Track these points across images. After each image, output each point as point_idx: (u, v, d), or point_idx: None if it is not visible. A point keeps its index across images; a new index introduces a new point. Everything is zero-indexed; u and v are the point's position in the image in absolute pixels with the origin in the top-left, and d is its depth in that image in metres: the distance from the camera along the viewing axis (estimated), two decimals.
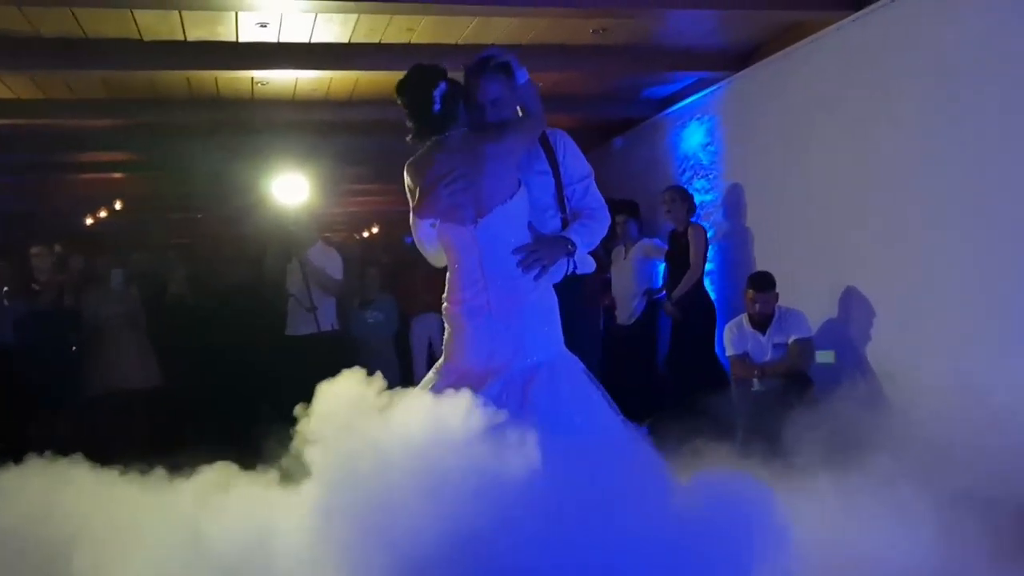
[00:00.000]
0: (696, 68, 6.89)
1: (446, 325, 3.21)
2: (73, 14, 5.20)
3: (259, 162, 7.56)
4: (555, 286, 3.21)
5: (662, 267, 7.06)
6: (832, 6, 5.47)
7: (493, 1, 5.18)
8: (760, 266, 6.25)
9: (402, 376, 6.96)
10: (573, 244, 3.22)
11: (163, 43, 5.82)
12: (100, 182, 10.44)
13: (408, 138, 3.21)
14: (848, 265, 5.62)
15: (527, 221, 3.17)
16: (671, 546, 2.50)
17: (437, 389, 2.91)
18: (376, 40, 5.96)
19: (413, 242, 3.37)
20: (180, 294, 7.61)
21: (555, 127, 3.45)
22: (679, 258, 6.66)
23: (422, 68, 3.16)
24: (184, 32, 5.66)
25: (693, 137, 7.55)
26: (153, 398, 6.91)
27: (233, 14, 5.34)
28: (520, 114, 3.30)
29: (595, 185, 3.41)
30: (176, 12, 5.26)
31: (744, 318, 5.79)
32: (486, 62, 3.22)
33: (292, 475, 2.86)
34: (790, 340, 5.59)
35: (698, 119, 7.49)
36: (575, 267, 3.29)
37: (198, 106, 7.47)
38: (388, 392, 2.83)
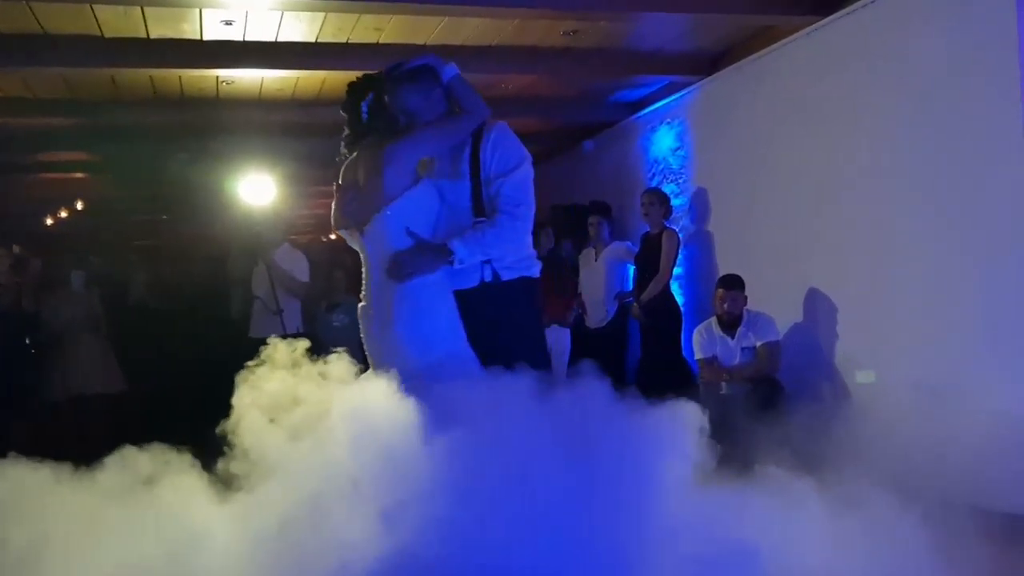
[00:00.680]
0: (666, 72, 6.88)
1: None
2: (30, 9, 5.07)
3: (224, 163, 7.46)
4: (481, 292, 3.13)
5: (632, 270, 7.05)
6: (801, 11, 5.48)
7: (462, 1, 5.13)
8: (727, 270, 6.25)
9: None
10: (452, 255, 3.03)
11: (125, 40, 5.69)
12: (60, 182, 10.24)
13: (341, 143, 3.32)
14: (816, 269, 5.64)
15: (420, 226, 3.09)
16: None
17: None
18: (343, 40, 5.89)
19: None
20: (142, 297, 7.48)
21: (503, 123, 3.25)
22: (649, 261, 6.64)
23: (359, 79, 3.28)
24: (147, 29, 5.55)
25: (663, 141, 7.56)
26: (115, 402, 6.79)
27: (197, 11, 5.25)
28: (451, 112, 3.25)
29: (520, 179, 3.15)
30: (138, 8, 5.14)
31: (713, 321, 5.79)
32: (389, 73, 3.23)
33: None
34: (758, 344, 5.60)
35: (668, 123, 7.50)
36: (494, 274, 3.14)
37: (162, 106, 7.34)
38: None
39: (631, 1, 5.35)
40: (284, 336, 6.31)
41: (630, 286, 7.05)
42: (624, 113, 8.15)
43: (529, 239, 3.28)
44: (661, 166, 7.59)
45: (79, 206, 11.29)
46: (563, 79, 7.20)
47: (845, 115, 5.35)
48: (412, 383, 2.79)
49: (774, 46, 5.95)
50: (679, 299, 6.90)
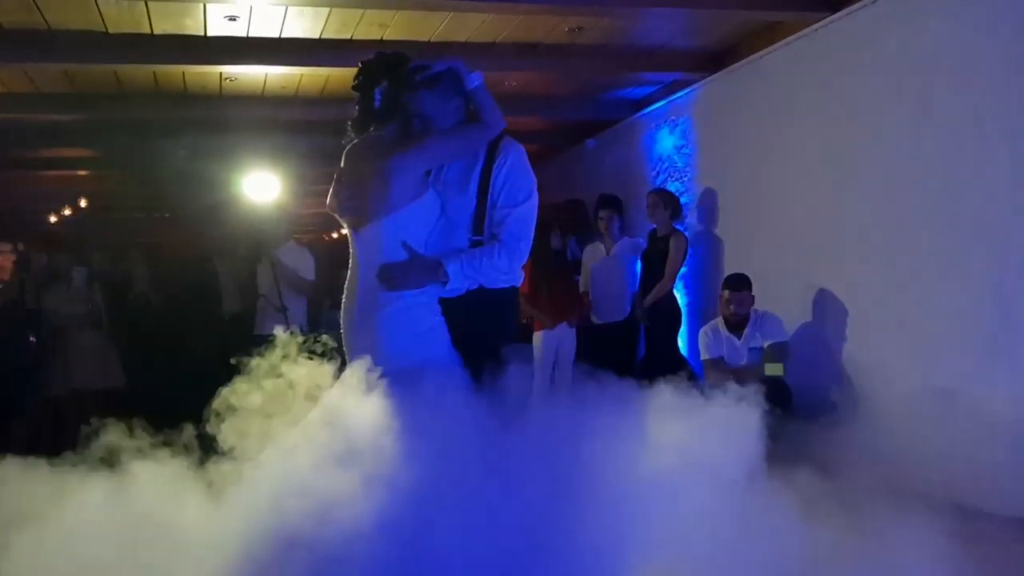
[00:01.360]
0: (671, 69, 6.85)
1: None
2: (35, 3, 5.05)
3: (228, 160, 7.44)
4: (465, 300, 3.08)
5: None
6: (808, 7, 5.44)
7: None
8: (734, 269, 6.21)
9: None
10: (446, 275, 3.01)
11: (128, 36, 5.68)
12: (64, 179, 10.24)
13: (348, 125, 3.18)
14: (823, 268, 5.60)
15: (417, 237, 3.04)
16: None
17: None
18: (347, 36, 5.87)
19: None
20: (143, 292, 7.47)
21: (517, 135, 3.22)
22: (655, 261, 6.59)
23: (376, 59, 3.13)
24: (151, 25, 5.53)
25: (667, 139, 7.52)
26: (115, 398, 6.77)
27: (201, 6, 5.23)
28: (469, 119, 3.16)
29: (524, 213, 3.11)
30: (142, 3, 5.12)
31: (719, 322, 5.75)
32: (412, 75, 3.10)
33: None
34: (765, 344, 5.55)
35: (672, 121, 7.46)
36: (474, 284, 3.09)
37: (165, 102, 7.33)
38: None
39: None
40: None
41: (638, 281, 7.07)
42: (628, 111, 8.12)
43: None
44: (665, 164, 7.55)
45: (82, 203, 11.29)
46: (567, 76, 7.17)
47: (852, 112, 5.31)
48: (391, 384, 2.79)
49: (780, 43, 5.91)
50: (683, 299, 6.87)
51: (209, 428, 2.94)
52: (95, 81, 6.82)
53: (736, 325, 5.63)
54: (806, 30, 5.63)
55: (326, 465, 2.59)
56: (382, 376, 2.84)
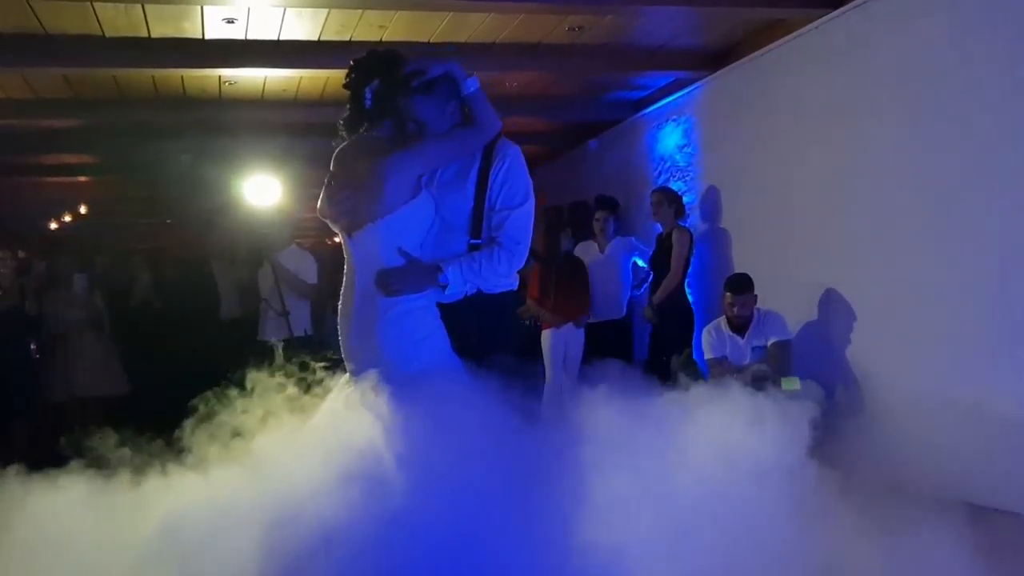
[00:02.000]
0: (673, 68, 6.83)
1: None
2: (31, 7, 5.03)
3: (228, 164, 7.41)
4: (463, 304, 3.03)
5: (638, 263, 7.11)
6: (810, 4, 5.41)
7: None
8: (738, 268, 6.19)
9: None
10: (445, 278, 2.96)
11: (126, 39, 5.66)
12: (64, 185, 10.23)
13: (339, 123, 3.10)
14: (827, 266, 5.56)
15: (413, 240, 2.99)
16: None
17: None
18: (347, 37, 5.84)
19: None
20: (145, 298, 7.45)
21: (515, 137, 3.17)
22: (663, 262, 6.59)
23: (368, 57, 3.06)
24: (148, 28, 5.50)
25: (670, 138, 7.49)
26: (118, 404, 6.76)
27: (199, 9, 5.20)
28: (464, 122, 3.11)
29: (522, 216, 3.07)
30: (139, 6, 5.10)
31: (722, 321, 5.71)
32: (408, 79, 3.03)
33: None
34: (769, 342, 5.52)
35: (674, 120, 7.43)
36: (472, 288, 3.04)
37: (164, 106, 7.31)
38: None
39: None
40: (291, 338, 6.37)
41: (632, 280, 7.13)
42: (630, 111, 8.09)
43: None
44: (668, 164, 7.52)
45: (83, 209, 11.28)
46: (568, 76, 7.15)
47: (855, 109, 5.27)
48: (392, 390, 2.77)
49: (782, 40, 5.88)
50: (691, 298, 6.83)
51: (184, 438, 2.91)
52: (94, 86, 6.80)
53: (739, 325, 5.60)
54: (808, 27, 5.59)
55: (327, 472, 2.57)
56: (384, 383, 2.81)
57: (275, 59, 6.01)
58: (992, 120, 4.38)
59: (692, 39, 6.36)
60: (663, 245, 6.64)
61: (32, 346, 6.63)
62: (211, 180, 7.97)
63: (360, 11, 5.34)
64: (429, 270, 2.97)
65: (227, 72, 6.34)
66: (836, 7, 5.33)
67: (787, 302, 5.72)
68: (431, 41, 5.89)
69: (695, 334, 6.45)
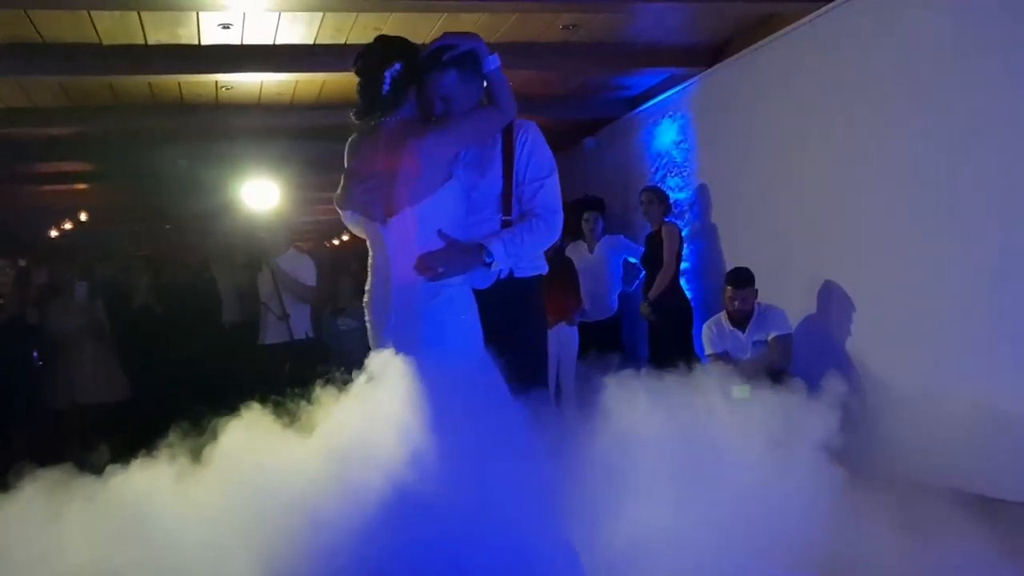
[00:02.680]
0: (667, 64, 6.85)
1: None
2: (28, 16, 5.05)
3: (226, 168, 7.44)
4: (494, 290, 3.02)
5: (628, 261, 7.15)
6: None
7: None
8: (735, 263, 6.20)
9: None
10: (490, 255, 2.92)
11: (123, 47, 5.69)
12: (63, 193, 10.26)
13: (351, 113, 3.01)
14: (826, 260, 5.58)
15: (449, 223, 2.93)
16: None
17: None
18: (342, 40, 5.87)
19: None
20: (146, 305, 7.46)
21: (535, 123, 3.17)
22: (655, 259, 6.60)
23: (384, 41, 2.99)
24: (144, 35, 5.53)
25: (666, 135, 7.51)
26: (121, 411, 6.77)
27: (194, 15, 5.23)
28: (484, 104, 3.07)
29: (553, 185, 3.11)
30: (135, 14, 5.13)
31: (723, 316, 5.73)
32: (439, 53, 2.98)
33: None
34: (769, 337, 5.54)
35: (670, 117, 7.45)
36: (509, 271, 3.04)
37: (161, 112, 7.33)
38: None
39: None
40: (292, 341, 6.39)
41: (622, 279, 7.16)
42: (625, 108, 8.12)
43: None
44: (664, 160, 7.54)
45: (83, 217, 11.30)
46: (564, 75, 7.17)
47: (850, 102, 5.29)
48: (427, 378, 2.70)
49: (775, 35, 5.89)
50: (688, 293, 6.85)
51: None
52: (91, 93, 6.83)
53: (740, 320, 5.62)
54: (801, 22, 5.61)
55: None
56: (425, 366, 2.74)
57: (271, 63, 6.04)
58: (987, 114, 4.38)
59: (685, 36, 6.39)
60: (654, 243, 6.66)
61: (35, 354, 6.66)
62: (209, 185, 8.00)
63: (355, 14, 5.37)
64: (472, 249, 2.92)
65: (223, 77, 6.36)
66: (828, 1, 5.34)
67: (785, 296, 5.73)
68: (426, 42, 5.89)
69: (694, 329, 6.47)
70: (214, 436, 2.84)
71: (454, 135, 2.94)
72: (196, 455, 2.83)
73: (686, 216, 7.11)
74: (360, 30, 5.68)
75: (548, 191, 3.09)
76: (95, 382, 6.71)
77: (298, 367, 5.97)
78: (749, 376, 5.45)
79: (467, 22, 5.68)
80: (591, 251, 7.21)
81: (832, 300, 5.52)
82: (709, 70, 6.72)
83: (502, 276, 3.04)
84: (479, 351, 2.89)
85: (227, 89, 6.83)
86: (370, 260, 3.10)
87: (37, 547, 2.63)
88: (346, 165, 3.10)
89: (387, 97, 2.92)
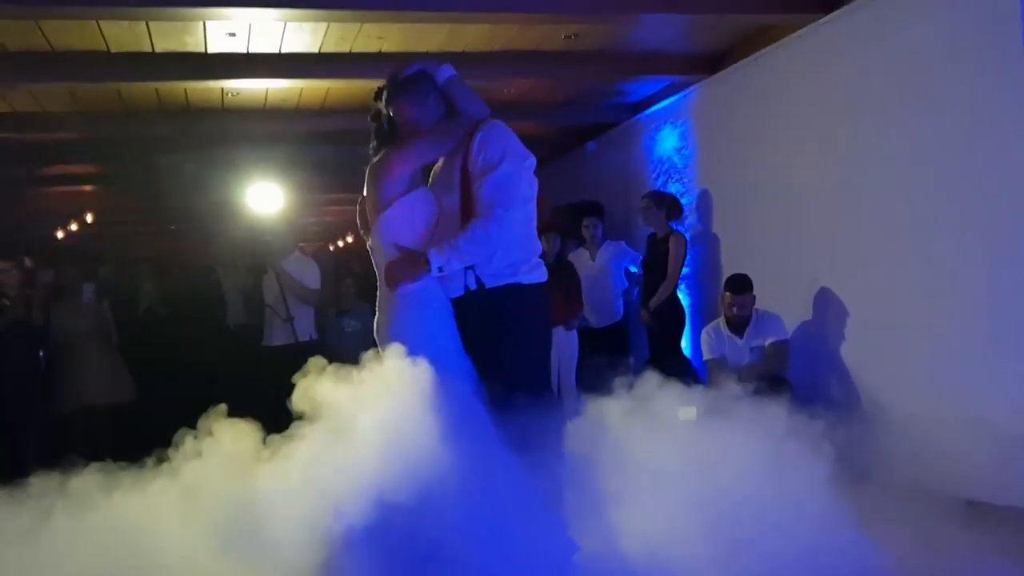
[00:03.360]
0: (668, 72, 6.90)
1: None
2: (39, 27, 5.14)
3: (232, 173, 7.51)
4: (468, 300, 3.13)
5: (630, 268, 7.19)
6: (803, 9, 5.48)
7: (463, 8, 5.16)
8: (734, 269, 6.25)
9: None
10: (429, 264, 3.04)
11: (131, 54, 5.76)
12: (70, 195, 10.33)
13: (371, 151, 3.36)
14: (823, 268, 5.62)
15: (411, 235, 3.14)
16: None
17: None
18: (346, 49, 5.93)
19: None
20: (151, 306, 7.53)
21: (496, 121, 3.21)
22: (656, 264, 6.62)
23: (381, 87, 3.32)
24: (152, 43, 5.60)
25: (667, 141, 7.57)
26: (126, 413, 6.83)
27: (201, 24, 5.30)
28: (450, 114, 3.28)
29: (500, 178, 3.06)
30: (143, 23, 5.20)
31: (721, 321, 5.79)
32: (387, 87, 3.28)
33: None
34: (767, 343, 5.59)
35: (672, 123, 7.50)
36: (477, 281, 3.11)
37: (168, 117, 7.40)
38: None
39: (630, 3, 5.37)
40: (297, 344, 6.46)
41: (625, 283, 7.18)
42: (627, 114, 8.16)
43: (519, 242, 3.17)
44: (665, 166, 7.60)
45: (89, 218, 11.36)
46: (565, 81, 7.23)
47: (848, 112, 5.34)
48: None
49: (776, 44, 5.94)
50: (685, 299, 6.91)
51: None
52: (98, 99, 6.89)
53: (738, 325, 5.68)
54: (801, 31, 5.66)
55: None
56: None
57: (276, 71, 6.09)
58: (983, 125, 4.43)
59: (686, 44, 6.43)
60: (657, 248, 6.68)
61: (41, 355, 6.72)
62: (215, 188, 8.07)
63: (359, 24, 5.43)
64: (415, 258, 3.08)
65: (229, 84, 6.43)
66: (827, 12, 5.40)
67: (783, 302, 5.78)
68: (429, 51, 5.98)
69: (692, 335, 6.53)
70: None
71: (407, 152, 3.20)
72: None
73: (686, 221, 7.17)
74: (364, 39, 5.75)
75: (489, 185, 3.08)
76: (101, 384, 6.77)
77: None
78: (746, 381, 5.54)
79: (470, 32, 5.75)
80: (593, 258, 7.24)
81: (829, 307, 5.56)
82: (710, 78, 6.77)
83: (470, 286, 3.13)
84: (447, 357, 3.02)
85: (233, 95, 6.90)
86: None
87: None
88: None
89: (386, 132, 3.31)
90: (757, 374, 5.49)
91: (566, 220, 7.73)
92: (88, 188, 9.99)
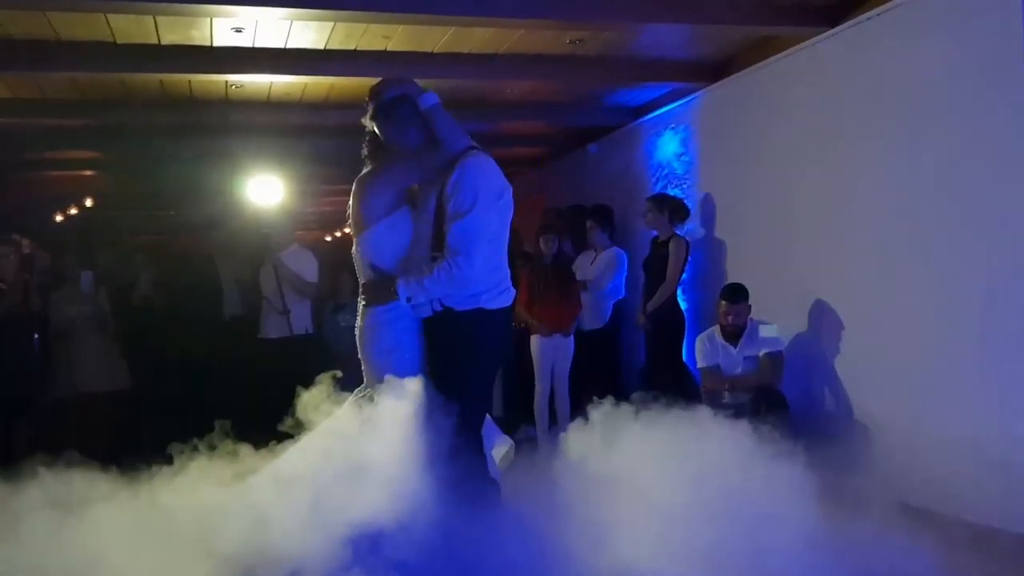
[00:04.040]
0: (670, 79, 6.93)
1: None
2: (46, 17, 5.13)
3: (232, 163, 7.51)
4: (435, 321, 3.26)
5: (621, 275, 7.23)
6: (807, 22, 5.51)
7: (469, 11, 5.17)
8: (731, 277, 6.29)
9: None
10: (397, 293, 3.21)
11: (136, 46, 5.75)
12: (68, 180, 10.30)
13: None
14: (820, 278, 5.67)
15: (386, 255, 3.30)
16: None
17: None
18: (352, 47, 5.94)
19: None
20: (148, 295, 7.53)
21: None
22: (657, 267, 6.65)
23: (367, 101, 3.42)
24: (158, 36, 5.60)
25: (668, 146, 7.59)
26: (121, 401, 6.85)
27: (208, 19, 5.30)
28: (430, 140, 3.33)
29: (464, 227, 3.16)
30: (150, 17, 5.20)
31: (716, 330, 5.82)
32: (373, 100, 3.35)
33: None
34: (761, 353, 5.62)
35: (673, 128, 7.53)
36: (441, 305, 3.23)
37: (171, 107, 7.39)
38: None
39: (635, 12, 5.39)
40: (292, 337, 6.48)
41: (623, 292, 7.21)
42: (629, 117, 8.19)
43: (482, 276, 3.25)
44: (665, 171, 7.62)
45: (88, 203, 11.34)
46: (568, 85, 7.24)
47: (847, 124, 5.38)
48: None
49: (779, 55, 5.98)
50: (683, 304, 6.93)
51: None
52: (102, 88, 6.87)
53: (732, 335, 5.71)
54: (804, 43, 5.70)
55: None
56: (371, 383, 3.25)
57: (281, 66, 6.10)
58: (984, 141, 4.47)
59: (689, 52, 6.47)
60: (658, 250, 6.71)
61: (35, 336, 6.72)
62: (215, 179, 8.06)
63: (365, 24, 5.43)
64: (386, 284, 3.24)
65: (234, 77, 6.43)
66: (832, 26, 5.43)
67: (779, 312, 5.83)
68: (435, 52, 5.99)
69: (687, 341, 6.56)
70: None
71: (386, 176, 3.34)
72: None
73: (685, 227, 7.19)
74: (370, 38, 5.76)
75: (456, 231, 3.18)
76: (97, 371, 6.78)
77: (297, 363, 6.06)
78: (740, 391, 5.59)
79: (475, 35, 5.76)
80: (593, 262, 7.27)
81: (824, 319, 5.60)
82: (712, 86, 6.80)
83: (437, 309, 3.25)
84: (404, 370, 3.19)
85: (237, 87, 6.90)
86: None
87: None
88: None
89: (375, 138, 3.45)
90: (751, 384, 5.55)
91: (571, 221, 7.75)
92: (88, 172, 9.96)
